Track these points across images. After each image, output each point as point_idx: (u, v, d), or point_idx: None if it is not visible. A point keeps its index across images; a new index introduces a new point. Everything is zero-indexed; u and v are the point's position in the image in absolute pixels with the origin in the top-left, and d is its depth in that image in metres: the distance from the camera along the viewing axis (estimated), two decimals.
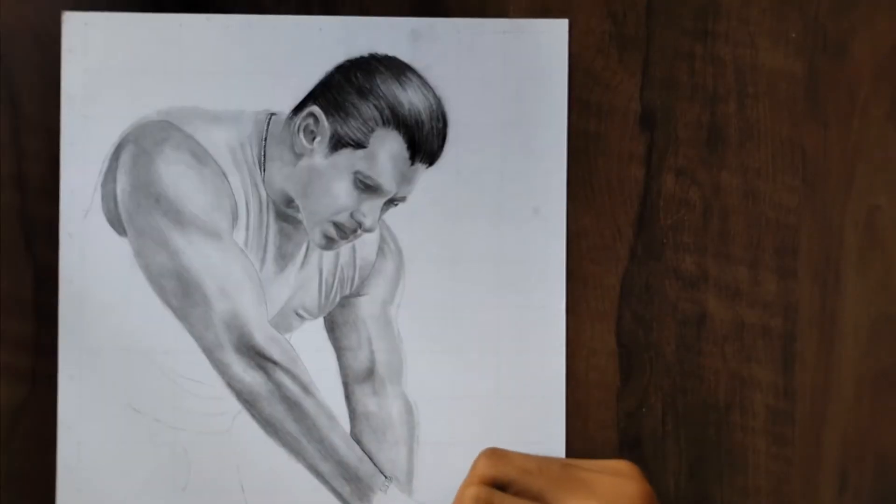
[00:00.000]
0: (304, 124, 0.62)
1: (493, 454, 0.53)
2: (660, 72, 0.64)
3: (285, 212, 0.63)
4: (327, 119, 0.62)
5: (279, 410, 0.62)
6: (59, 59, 0.62)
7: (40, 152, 0.62)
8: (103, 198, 0.62)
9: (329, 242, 0.63)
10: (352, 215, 0.62)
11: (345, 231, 0.63)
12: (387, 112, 0.62)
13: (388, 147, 0.62)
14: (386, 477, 0.63)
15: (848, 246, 0.63)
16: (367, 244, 0.63)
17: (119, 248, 0.62)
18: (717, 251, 0.63)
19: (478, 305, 0.63)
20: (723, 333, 0.63)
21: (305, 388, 0.62)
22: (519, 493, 0.51)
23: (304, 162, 0.62)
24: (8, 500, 0.62)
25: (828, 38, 0.63)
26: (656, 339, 0.63)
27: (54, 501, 0.62)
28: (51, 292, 0.62)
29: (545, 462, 0.53)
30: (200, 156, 0.62)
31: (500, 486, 0.52)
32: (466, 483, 0.53)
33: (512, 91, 0.63)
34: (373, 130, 0.62)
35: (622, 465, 0.53)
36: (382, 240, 0.63)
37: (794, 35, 0.63)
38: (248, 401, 0.62)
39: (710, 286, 0.63)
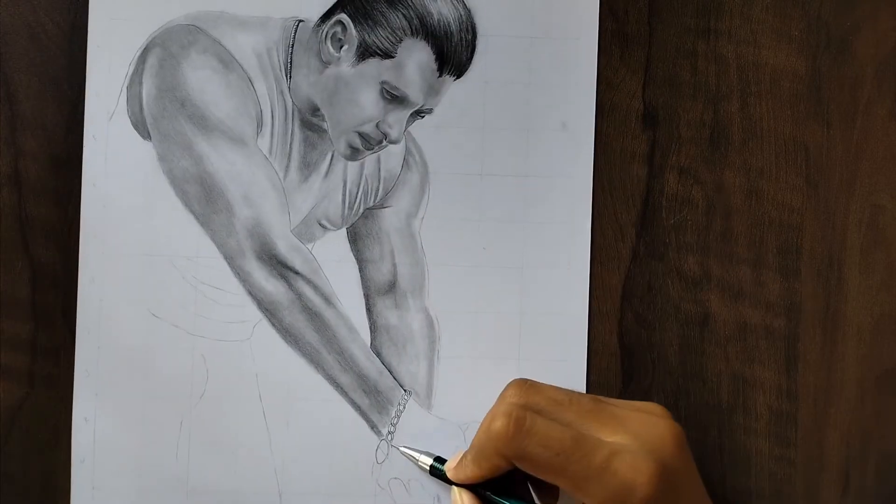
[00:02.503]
0: (331, 32, 0.62)
1: (524, 383, 0.52)
2: (662, 70, 0.63)
3: (310, 120, 0.62)
4: (355, 27, 0.62)
5: (299, 320, 0.62)
6: (54, 57, 0.62)
7: (37, 151, 0.62)
8: (128, 101, 0.62)
9: (354, 153, 0.63)
10: (377, 126, 0.62)
11: (370, 142, 0.62)
12: (416, 22, 0.61)
13: (415, 57, 0.61)
14: (405, 391, 0.62)
15: (851, 246, 0.63)
16: (392, 156, 0.63)
17: (143, 152, 0.62)
18: (720, 251, 0.63)
19: (503, 220, 0.62)
20: (726, 334, 0.63)
21: (326, 299, 0.62)
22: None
23: (330, 70, 0.62)
24: (6, 500, 0.61)
25: (830, 36, 0.63)
26: (658, 340, 0.63)
27: (53, 502, 0.62)
28: (48, 292, 0.62)
29: (576, 395, 0.52)
30: (227, 61, 0.61)
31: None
32: (496, 405, 0.52)
33: (543, 3, 0.62)
34: (401, 40, 0.61)
35: (653, 406, 0.53)
36: (408, 152, 0.63)
37: (796, 33, 0.63)
38: (269, 310, 0.62)
39: (712, 286, 0.63)
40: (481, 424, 0.53)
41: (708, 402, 0.63)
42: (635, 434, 0.50)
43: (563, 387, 0.54)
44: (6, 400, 0.61)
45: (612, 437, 0.50)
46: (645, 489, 0.48)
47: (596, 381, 0.62)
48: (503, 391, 0.52)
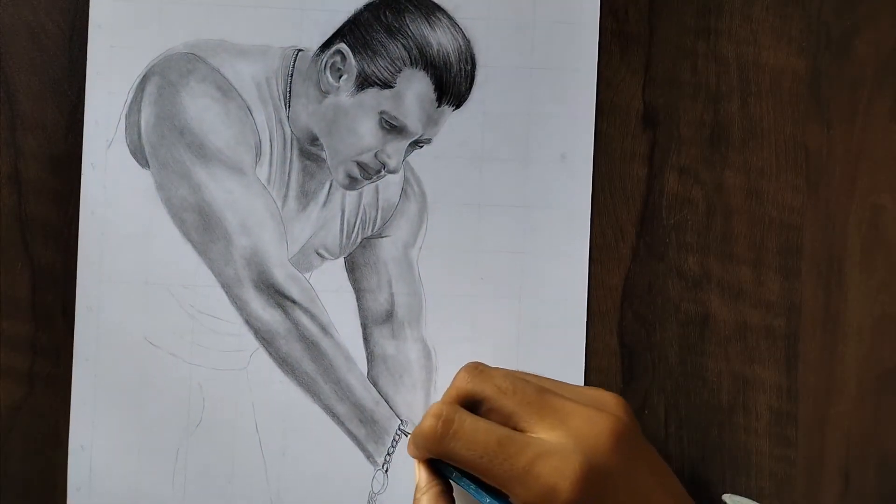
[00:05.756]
0: (330, 62, 0.62)
1: (474, 369, 0.52)
2: (662, 70, 0.63)
3: (309, 150, 0.62)
4: (354, 57, 0.62)
5: (297, 349, 0.62)
6: (54, 57, 0.62)
7: (37, 151, 0.62)
8: (127, 129, 0.62)
9: (352, 182, 0.62)
10: (376, 156, 0.62)
11: (368, 171, 0.62)
12: (415, 52, 0.61)
13: (415, 88, 0.61)
14: (402, 421, 0.62)
15: (852, 246, 0.63)
16: (390, 185, 0.63)
17: (141, 181, 0.62)
18: (720, 251, 0.63)
19: (501, 251, 0.62)
20: (726, 334, 0.63)
21: (324, 329, 0.62)
22: (491, 411, 0.51)
23: (329, 100, 0.62)
24: (6, 500, 0.61)
25: (831, 36, 0.63)
26: (659, 340, 0.63)
27: (53, 501, 0.62)
28: (48, 292, 0.62)
29: (523, 384, 0.51)
30: (226, 90, 0.61)
31: (476, 401, 0.51)
32: (442, 397, 0.52)
33: (542, 34, 0.62)
34: (400, 70, 0.61)
35: (607, 397, 0.52)
36: (406, 182, 0.63)
37: (796, 33, 0.63)
38: (266, 339, 0.62)
39: (712, 286, 0.63)
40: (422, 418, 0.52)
41: (708, 402, 0.63)
42: (572, 431, 0.49)
43: (517, 371, 0.54)
44: (6, 400, 0.61)
45: (547, 432, 0.49)
46: (567, 493, 0.47)
47: (596, 382, 0.62)
48: (455, 375, 0.52)
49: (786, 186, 0.63)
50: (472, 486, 0.52)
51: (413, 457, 0.54)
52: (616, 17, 0.63)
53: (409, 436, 0.59)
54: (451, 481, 0.53)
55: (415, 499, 0.53)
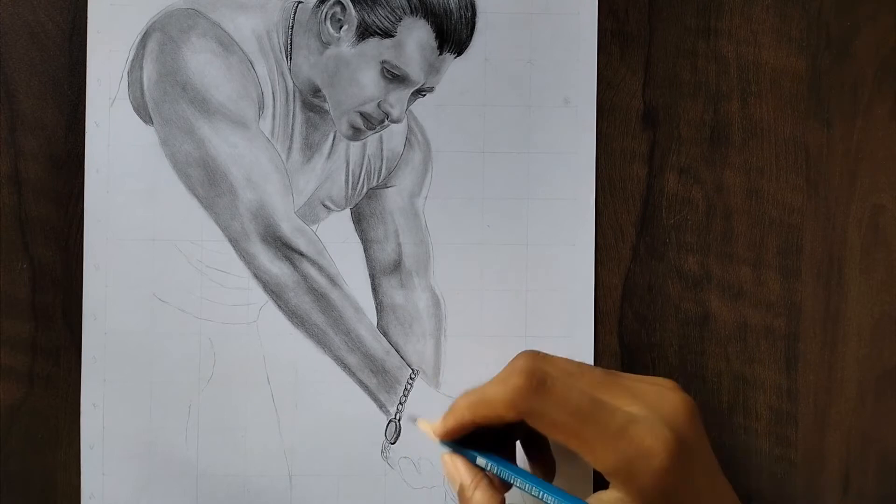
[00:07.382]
0: (331, 12, 0.62)
1: (536, 354, 0.51)
2: (662, 69, 0.63)
3: (312, 101, 0.62)
4: (354, 7, 0.61)
5: (306, 302, 0.62)
6: (54, 57, 0.62)
7: (37, 151, 0.62)
8: (129, 86, 0.62)
9: (356, 133, 0.62)
10: (379, 105, 0.62)
11: (372, 121, 0.62)
12: (415, 0, 0.61)
13: (415, 36, 0.61)
14: (413, 370, 0.62)
15: (851, 246, 0.63)
16: (394, 135, 0.63)
17: (145, 137, 0.62)
18: (720, 251, 0.63)
19: (506, 197, 0.62)
20: (725, 334, 0.63)
21: (332, 280, 0.62)
22: None
23: (330, 51, 0.62)
24: (6, 500, 0.61)
25: (830, 36, 0.63)
26: (659, 340, 0.63)
27: (53, 501, 0.62)
28: (48, 292, 0.62)
29: (587, 367, 0.51)
30: (227, 44, 0.61)
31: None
32: (498, 376, 0.51)
33: None
34: (400, 19, 0.61)
35: (664, 380, 0.52)
36: (410, 131, 0.63)
37: (796, 33, 0.63)
38: (275, 292, 0.62)
39: (712, 286, 0.63)
40: (490, 381, 0.51)
41: (708, 402, 0.62)
42: (649, 405, 0.49)
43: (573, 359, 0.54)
44: (6, 400, 0.62)
45: (626, 407, 0.49)
46: (662, 458, 0.47)
47: None
48: (512, 361, 0.50)
49: (786, 186, 0.63)
50: (514, 471, 0.51)
51: (444, 429, 0.52)
52: (616, 17, 0.62)
53: (421, 419, 0.55)
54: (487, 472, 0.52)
55: (463, 497, 0.51)
